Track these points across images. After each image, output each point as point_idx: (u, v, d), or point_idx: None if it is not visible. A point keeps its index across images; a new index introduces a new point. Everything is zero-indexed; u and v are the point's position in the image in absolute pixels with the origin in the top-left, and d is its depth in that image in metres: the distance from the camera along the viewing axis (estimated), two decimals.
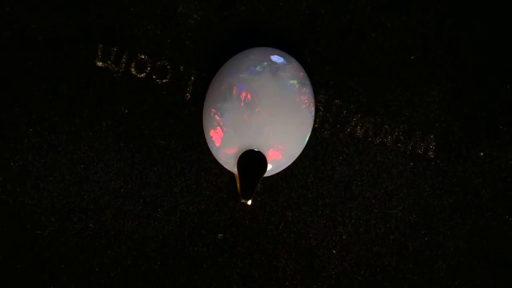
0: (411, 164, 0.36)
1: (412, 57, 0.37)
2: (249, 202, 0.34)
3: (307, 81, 0.35)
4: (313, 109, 0.35)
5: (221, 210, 0.36)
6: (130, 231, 0.36)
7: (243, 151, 0.34)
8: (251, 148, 0.34)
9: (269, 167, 0.34)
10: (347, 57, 0.37)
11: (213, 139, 0.35)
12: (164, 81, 0.37)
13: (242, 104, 0.34)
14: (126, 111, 0.36)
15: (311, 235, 0.36)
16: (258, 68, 0.34)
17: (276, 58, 0.35)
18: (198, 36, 0.37)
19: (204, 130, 0.35)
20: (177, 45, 0.37)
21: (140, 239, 0.36)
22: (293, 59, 0.35)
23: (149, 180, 0.36)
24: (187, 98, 0.37)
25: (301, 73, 0.35)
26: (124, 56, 0.37)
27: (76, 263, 0.36)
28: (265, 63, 0.34)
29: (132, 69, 0.37)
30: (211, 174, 0.36)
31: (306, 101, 0.35)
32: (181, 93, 0.37)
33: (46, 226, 0.36)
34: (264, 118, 0.34)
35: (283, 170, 0.35)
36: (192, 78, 0.37)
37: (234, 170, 0.34)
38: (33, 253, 0.36)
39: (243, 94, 0.34)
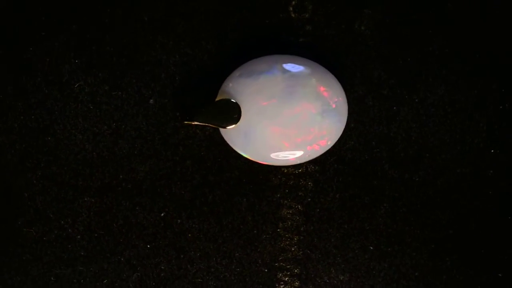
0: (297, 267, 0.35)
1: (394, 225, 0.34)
2: (191, 122, 0.33)
3: (330, 142, 0.33)
4: (308, 155, 0.33)
5: (177, 102, 0.35)
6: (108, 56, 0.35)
7: (238, 101, 0.33)
8: (242, 111, 0.33)
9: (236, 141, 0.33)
10: (370, 170, 0.35)
11: (238, 71, 0.34)
12: (289, 8, 0.35)
13: (281, 82, 0.33)
14: None
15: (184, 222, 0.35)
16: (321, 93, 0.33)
17: (340, 108, 0.33)
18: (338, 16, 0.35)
19: (249, 64, 0.34)
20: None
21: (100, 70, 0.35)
22: (345, 122, 0.34)
23: (159, 39, 0.35)
24: (270, 36, 0.35)
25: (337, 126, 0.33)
26: None
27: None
28: (331, 100, 0.33)
29: None
30: (202, 80, 0.35)
31: (313, 147, 0.33)
32: (282, 32, 0.35)
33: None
34: (270, 113, 0.32)
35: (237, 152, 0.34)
36: (300, 26, 0.35)
37: (220, 96, 0.34)
38: None
39: (289, 83, 0.33)
